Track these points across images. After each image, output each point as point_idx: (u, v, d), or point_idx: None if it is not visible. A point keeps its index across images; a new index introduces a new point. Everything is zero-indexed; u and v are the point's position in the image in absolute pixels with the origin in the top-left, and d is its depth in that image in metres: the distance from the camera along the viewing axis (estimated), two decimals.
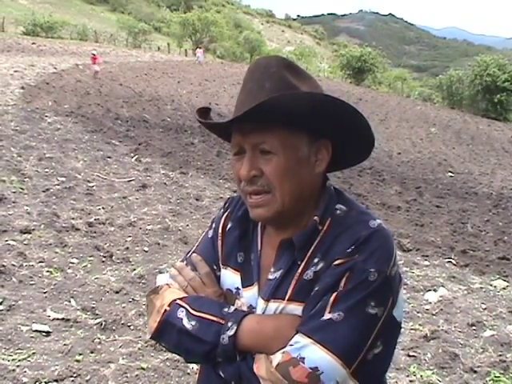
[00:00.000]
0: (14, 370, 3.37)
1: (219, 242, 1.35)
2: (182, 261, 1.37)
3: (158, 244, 5.98)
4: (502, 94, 39.11)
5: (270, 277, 1.22)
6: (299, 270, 1.18)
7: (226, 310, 1.20)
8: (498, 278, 6.22)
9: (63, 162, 9.03)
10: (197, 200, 8.03)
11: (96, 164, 9.31)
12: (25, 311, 4.15)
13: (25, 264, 4.99)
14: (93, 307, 4.35)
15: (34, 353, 3.61)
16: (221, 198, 8.15)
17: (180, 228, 6.63)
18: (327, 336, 1.09)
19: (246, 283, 1.26)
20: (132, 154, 10.47)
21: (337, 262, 1.13)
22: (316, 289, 1.14)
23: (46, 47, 35.53)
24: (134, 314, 4.28)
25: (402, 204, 10.03)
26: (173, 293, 1.27)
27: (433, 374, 3.94)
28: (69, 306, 4.37)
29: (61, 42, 41.72)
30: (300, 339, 1.10)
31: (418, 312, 5.03)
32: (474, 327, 4.76)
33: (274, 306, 1.20)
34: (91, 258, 5.39)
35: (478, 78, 40.22)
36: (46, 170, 8.37)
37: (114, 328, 4.07)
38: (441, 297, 5.43)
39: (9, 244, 5.35)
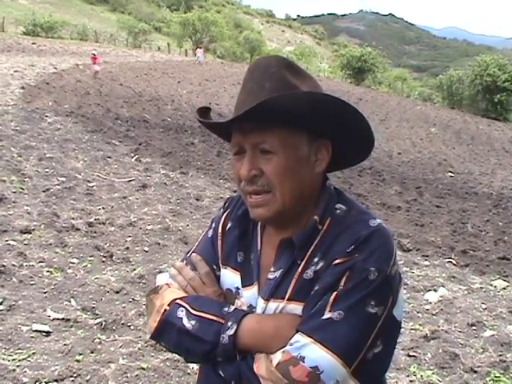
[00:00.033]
0: (14, 370, 3.37)
1: (219, 242, 1.35)
2: (182, 260, 1.37)
3: (158, 244, 5.99)
4: (502, 94, 39.11)
5: (270, 276, 1.22)
6: (299, 270, 1.18)
7: (225, 309, 1.20)
8: (498, 278, 6.22)
9: (63, 161, 9.03)
10: (197, 200, 8.03)
11: (96, 164, 9.31)
12: (25, 311, 4.15)
13: (25, 264, 4.99)
14: (93, 307, 4.35)
15: (34, 353, 3.61)
16: (221, 198, 8.15)
17: (180, 228, 6.63)
18: (327, 335, 1.09)
19: (246, 283, 1.26)
20: (132, 154, 10.48)
21: (337, 262, 1.13)
22: (316, 288, 1.14)
23: (46, 47, 35.54)
24: (134, 314, 4.28)
25: (402, 204, 10.03)
26: (173, 292, 1.27)
27: (433, 374, 3.94)
28: (69, 305, 4.37)
29: (61, 42, 41.73)
30: (300, 338, 1.10)
31: (418, 312, 5.03)
32: (474, 327, 4.76)
33: (273, 305, 1.20)
34: (91, 258, 5.39)
35: (478, 78, 40.22)
36: (46, 169, 8.37)
37: (114, 328, 4.07)
38: (441, 297, 5.43)
39: (9, 244, 5.35)
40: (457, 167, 16.76)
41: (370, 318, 1.11)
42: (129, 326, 4.12)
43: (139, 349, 3.81)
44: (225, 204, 1.42)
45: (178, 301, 1.24)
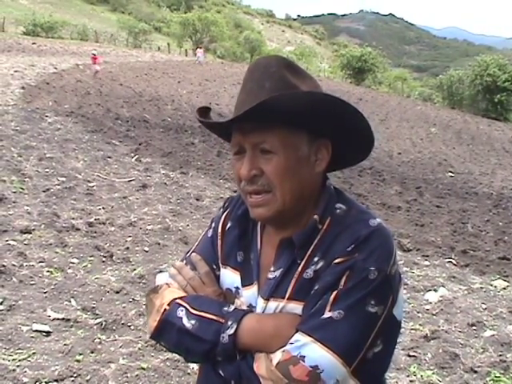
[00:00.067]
0: (14, 370, 3.37)
1: (219, 242, 1.35)
2: (182, 260, 1.37)
3: (159, 244, 5.99)
4: (502, 94, 39.11)
5: (270, 276, 1.22)
6: (299, 269, 1.18)
7: (225, 308, 1.20)
8: (499, 278, 6.22)
9: (63, 162, 9.04)
10: (197, 200, 8.03)
11: (96, 164, 9.31)
12: (25, 311, 4.15)
13: (25, 264, 4.99)
14: (93, 307, 4.35)
15: (34, 353, 3.61)
16: (221, 197, 8.15)
17: (180, 228, 6.63)
18: (327, 334, 1.09)
19: (246, 282, 1.26)
20: (132, 154, 10.48)
21: (337, 261, 1.13)
22: (316, 287, 1.14)
23: (47, 47, 35.56)
24: (134, 314, 4.28)
25: (403, 204, 10.03)
26: (172, 292, 1.27)
27: (433, 374, 3.93)
28: (69, 305, 4.37)
29: (61, 42, 41.74)
30: (300, 338, 1.10)
31: (418, 312, 5.03)
32: (474, 327, 4.76)
33: (273, 304, 1.20)
34: (91, 258, 5.39)
35: (478, 78, 40.22)
36: (47, 169, 8.37)
37: (114, 328, 4.07)
38: (441, 297, 5.43)
39: (9, 244, 5.35)
40: (457, 167, 16.76)
41: (370, 317, 1.11)
42: (129, 326, 4.12)
43: (139, 349, 3.81)
44: (224, 204, 1.42)
45: (177, 300, 1.24)
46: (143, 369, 3.56)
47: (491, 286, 5.97)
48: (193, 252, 1.37)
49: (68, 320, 4.10)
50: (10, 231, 5.71)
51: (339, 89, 35.28)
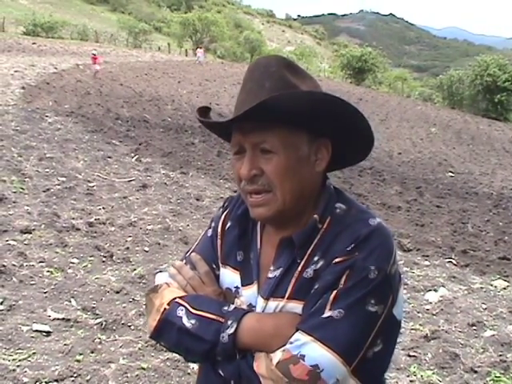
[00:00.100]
0: (14, 370, 3.37)
1: (218, 241, 1.35)
2: (182, 260, 1.37)
3: (159, 244, 5.99)
4: (502, 94, 39.10)
5: (270, 275, 1.22)
6: (299, 268, 1.18)
7: (225, 308, 1.20)
8: (499, 278, 6.22)
9: (63, 162, 9.04)
10: (197, 200, 8.03)
11: (96, 164, 9.31)
12: (25, 311, 4.15)
13: (25, 264, 4.99)
14: (93, 307, 4.35)
15: (34, 353, 3.61)
16: (221, 197, 8.14)
17: (180, 228, 6.63)
18: (327, 334, 1.09)
19: (246, 282, 1.26)
20: (132, 154, 10.48)
21: (337, 260, 1.13)
22: (316, 287, 1.14)
23: (47, 47, 35.57)
24: (134, 314, 4.28)
25: (403, 204, 10.03)
26: (172, 292, 1.27)
27: (433, 374, 3.93)
28: (69, 305, 4.37)
29: (61, 42, 41.75)
30: (300, 337, 1.10)
31: (418, 312, 5.03)
32: (474, 327, 4.76)
33: (273, 304, 1.20)
34: (91, 258, 5.39)
35: (478, 78, 40.21)
36: (47, 169, 8.37)
37: (114, 328, 4.07)
38: (441, 297, 5.43)
39: (9, 244, 5.35)
40: (457, 167, 16.75)
41: (370, 316, 1.11)
42: (129, 326, 4.12)
43: (139, 349, 3.81)
44: (224, 203, 1.42)
45: (177, 300, 1.24)
46: (143, 369, 3.56)
47: (491, 286, 5.97)
48: (192, 252, 1.37)
49: (68, 320, 4.10)
50: (10, 231, 5.71)
51: (339, 89, 35.27)
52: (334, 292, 1.11)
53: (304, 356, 1.08)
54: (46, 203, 6.78)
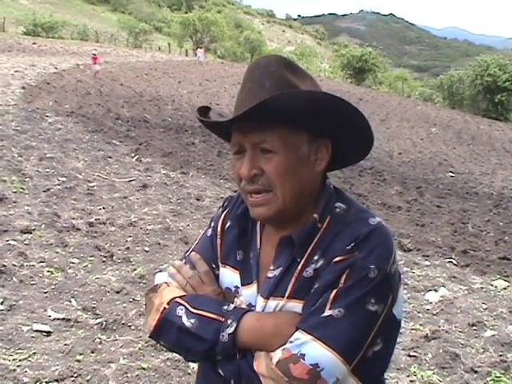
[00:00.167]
0: (14, 370, 3.37)
1: (218, 241, 1.35)
2: (181, 259, 1.37)
3: (159, 244, 5.99)
4: (502, 94, 39.09)
5: (270, 275, 1.22)
6: (299, 268, 1.18)
7: (225, 307, 1.20)
8: (499, 278, 6.22)
9: (64, 161, 9.04)
10: (197, 200, 8.03)
11: (97, 164, 9.31)
12: (25, 311, 4.15)
13: (25, 264, 4.99)
14: (93, 307, 4.35)
15: (34, 353, 3.61)
16: (221, 197, 8.14)
17: (181, 228, 6.63)
18: (327, 333, 1.09)
19: (245, 281, 1.26)
20: (133, 154, 10.48)
21: (337, 259, 1.13)
22: (316, 286, 1.14)
23: (47, 47, 35.59)
24: (134, 314, 4.28)
25: (403, 204, 10.03)
26: (172, 291, 1.27)
27: (433, 374, 3.93)
28: (69, 305, 4.37)
29: (61, 42, 41.78)
30: (300, 336, 1.10)
31: (418, 312, 5.03)
32: (474, 327, 4.76)
33: (273, 303, 1.20)
34: (92, 258, 5.39)
35: (478, 78, 40.19)
36: (47, 169, 8.38)
37: (114, 328, 4.07)
38: (441, 297, 5.43)
39: (9, 244, 5.35)
40: (457, 167, 16.75)
41: (370, 315, 1.11)
42: (129, 326, 4.12)
43: (140, 349, 3.81)
44: (224, 203, 1.42)
45: (177, 299, 1.24)
46: (143, 369, 3.56)
47: (492, 286, 5.97)
48: (192, 251, 1.37)
49: (68, 320, 4.10)
50: (11, 231, 5.71)
51: (339, 89, 35.27)
52: (334, 291, 1.11)
53: (304, 355, 1.08)
54: (46, 203, 6.78)
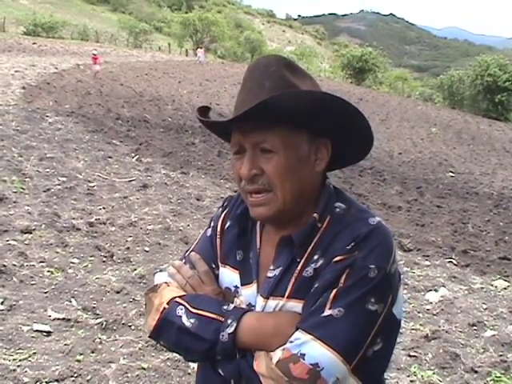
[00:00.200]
0: (14, 370, 3.37)
1: (218, 241, 1.35)
2: (181, 259, 1.37)
3: (159, 244, 5.99)
4: (502, 94, 39.08)
5: (270, 274, 1.22)
6: (299, 267, 1.18)
7: (225, 307, 1.20)
8: (499, 278, 6.21)
9: (64, 161, 9.04)
10: (198, 200, 8.03)
11: (97, 164, 9.31)
12: (26, 311, 4.15)
13: (25, 264, 4.99)
14: (93, 307, 4.35)
15: (34, 353, 3.61)
16: (221, 197, 8.14)
17: (181, 228, 6.63)
18: (327, 332, 1.09)
19: (245, 281, 1.26)
20: (133, 154, 10.48)
21: (337, 259, 1.13)
22: (316, 286, 1.14)
23: (47, 47, 35.60)
24: (134, 314, 4.28)
25: (403, 204, 10.02)
26: (171, 291, 1.27)
27: (433, 374, 3.93)
28: (69, 305, 4.37)
29: (62, 42, 41.79)
30: (300, 336, 1.10)
31: (418, 312, 5.03)
32: (474, 327, 4.76)
33: (273, 303, 1.20)
34: (92, 258, 5.39)
35: (478, 78, 40.19)
36: (47, 169, 8.38)
37: (114, 328, 4.07)
38: (442, 297, 5.43)
39: (9, 244, 5.36)
40: (457, 167, 16.75)
41: (370, 315, 1.11)
42: (129, 326, 4.12)
43: (140, 349, 3.81)
44: (224, 203, 1.42)
45: (177, 299, 1.24)
46: (144, 369, 3.56)
47: (492, 286, 5.97)
48: (192, 251, 1.37)
49: (68, 320, 4.10)
50: (11, 231, 5.72)
51: (340, 89, 35.27)
52: (334, 291, 1.11)
53: (304, 355, 1.08)
54: (46, 203, 6.78)
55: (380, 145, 18.04)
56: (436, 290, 5.60)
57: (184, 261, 1.35)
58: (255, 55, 59.03)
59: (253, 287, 1.25)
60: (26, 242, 5.50)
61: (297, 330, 1.12)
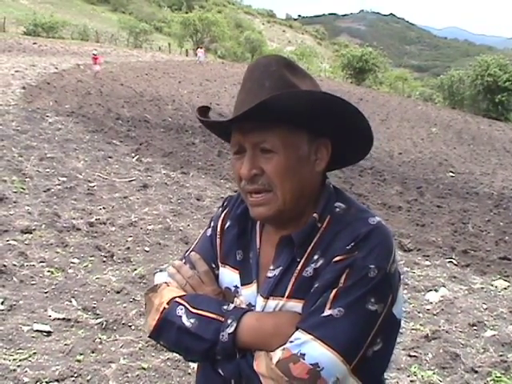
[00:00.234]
0: (14, 370, 3.37)
1: (218, 241, 1.35)
2: (181, 259, 1.37)
3: (159, 244, 5.99)
4: (503, 94, 39.08)
5: (269, 274, 1.22)
6: (299, 267, 1.18)
7: (225, 307, 1.20)
8: (499, 278, 6.21)
9: (64, 161, 9.04)
10: (198, 200, 8.03)
11: (97, 164, 9.31)
12: (26, 311, 4.15)
13: (26, 264, 4.99)
14: (94, 307, 4.35)
15: (34, 353, 3.61)
16: (222, 197, 8.13)
17: (181, 228, 6.63)
18: (327, 332, 1.09)
19: (245, 281, 1.26)
20: (133, 154, 10.48)
21: (336, 259, 1.13)
22: (316, 285, 1.14)
23: (47, 47, 35.61)
24: (134, 314, 4.28)
25: (403, 204, 10.02)
26: (171, 291, 1.27)
27: (434, 374, 3.93)
28: (70, 305, 4.37)
29: (62, 42, 41.81)
30: (300, 335, 1.10)
31: (418, 312, 5.03)
32: (474, 327, 4.76)
33: (273, 303, 1.20)
34: (92, 258, 5.39)
35: (479, 78, 40.18)
36: (47, 169, 8.38)
37: (114, 328, 4.07)
38: (442, 297, 5.43)
39: (10, 244, 5.36)
40: (458, 167, 16.75)
41: (369, 315, 1.11)
42: (129, 326, 4.12)
43: (140, 349, 3.81)
44: (223, 203, 1.42)
45: (177, 299, 1.24)
46: (144, 369, 3.56)
47: (492, 286, 5.97)
48: (192, 251, 1.37)
49: (69, 320, 4.10)
50: (11, 231, 5.72)
51: (340, 89, 35.27)
52: (334, 291, 1.11)
53: (304, 355, 1.08)
54: (46, 203, 6.78)
55: (380, 145, 18.04)
56: (436, 290, 5.60)
57: (184, 261, 1.35)
58: (255, 55, 59.03)
59: (253, 287, 1.25)
60: (26, 242, 5.50)
61: (297, 329, 1.12)
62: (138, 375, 3.49)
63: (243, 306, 1.24)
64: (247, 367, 1.14)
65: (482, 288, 5.87)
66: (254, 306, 1.23)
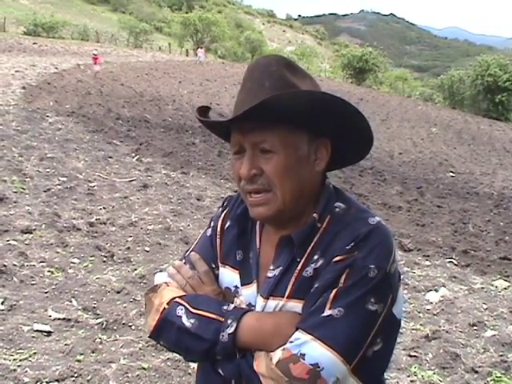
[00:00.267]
0: (15, 370, 3.37)
1: (218, 241, 1.35)
2: (181, 259, 1.37)
3: (159, 244, 5.99)
4: (503, 94, 39.08)
5: (269, 274, 1.22)
6: (299, 267, 1.18)
7: (225, 307, 1.20)
8: (500, 278, 6.21)
9: (64, 161, 9.04)
10: (198, 200, 8.03)
11: (97, 164, 9.31)
12: (26, 311, 4.15)
13: (26, 264, 4.99)
14: (94, 307, 4.35)
15: (35, 353, 3.61)
16: (222, 197, 8.13)
17: (181, 228, 6.63)
18: (327, 332, 1.09)
19: (245, 281, 1.26)
20: (133, 154, 10.48)
21: (336, 259, 1.13)
22: (316, 286, 1.14)
23: (48, 47, 35.63)
24: (135, 314, 4.28)
25: (403, 204, 10.02)
26: (171, 291, 1.27)
27: (434, 374, 3.93)
28: (70, 305, 4.37)
29: (62, 42, 41.81)
30: (300, 336, 1.10)
31: (419, 312, 5.03)
32: (475, 327, 4.76)
33: (273, 303, 1.20)
34: (92, 258, 5.39)
35: (479, 78, 40.18)
36: (47, 169, 8.38)
37: (115, 328, 4.07)
38: (442, 297, 5.42)
39: (10, 244, 5.36)
40: (458, 167, 16.74)
41: (369, 315, 1.11)
42: (130, 326, 4.12)
43: (140, 349, 3.81)
44: (223, 203, 1.42)
45: (177, 299, 1.24)
46: (144, 369, 3.56)
47: (492, 286, 5.97)
48: (192, 251, 1.37)
49: (69, 320, 4.10)
50: (11, 231, 5.72)
51: (340, 89, 35.28)
52: (334, 291, 1.11)
53: (304, 355, 1.08)
54: (46, 203, 6.78)
55: (380, 145, 18.04)
56: (436, 290, 5.60)
57: (184, 261, 1.35)
58: (255, 55, 59.03)
59: (253, 287, 1.25)
60: (26, 242, 5.50)
61: (297, 330, 1.12)
62: (138, 375, 3.49)
63: (243, 306, 1.24)
64: (247, 367, 1.14)
65: (483, 288, 5.87)
66: (254, 306, 1.23)
